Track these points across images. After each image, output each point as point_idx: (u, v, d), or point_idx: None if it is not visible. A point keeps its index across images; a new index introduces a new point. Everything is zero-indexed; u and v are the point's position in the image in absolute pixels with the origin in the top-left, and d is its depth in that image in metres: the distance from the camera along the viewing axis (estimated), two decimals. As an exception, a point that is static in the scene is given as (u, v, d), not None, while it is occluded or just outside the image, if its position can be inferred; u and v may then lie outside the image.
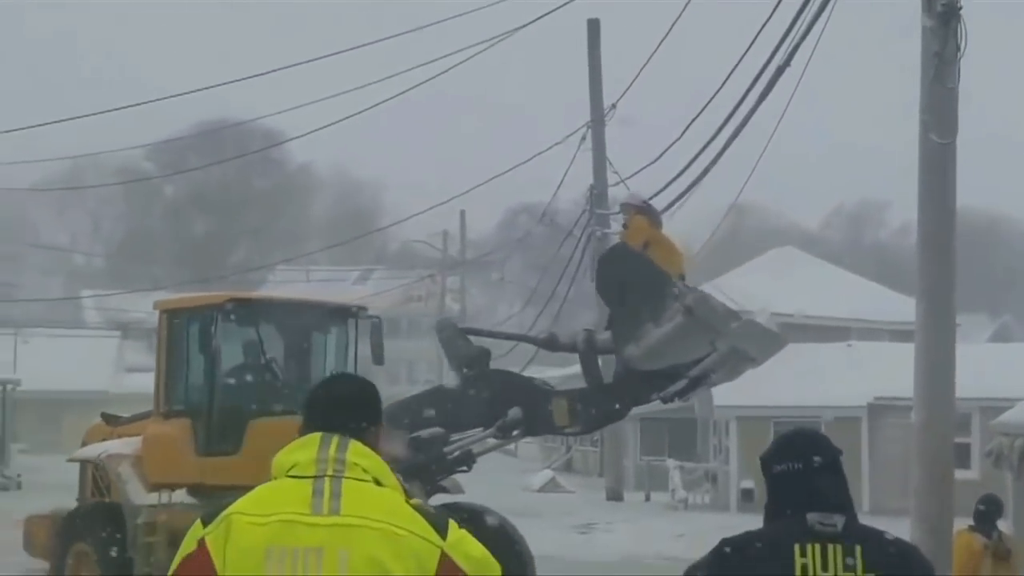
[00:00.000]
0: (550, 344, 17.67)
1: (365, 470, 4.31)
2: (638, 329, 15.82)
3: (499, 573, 4.35)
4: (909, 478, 14.95)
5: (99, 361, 60.94)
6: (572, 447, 54.86)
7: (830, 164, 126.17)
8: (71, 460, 20.15)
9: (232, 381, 18.08)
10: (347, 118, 34.36)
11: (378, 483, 4.31)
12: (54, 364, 56.00)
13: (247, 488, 4.39)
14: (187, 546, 4.29)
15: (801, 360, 37.59)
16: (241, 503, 4.27)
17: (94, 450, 19.36)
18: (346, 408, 4.45)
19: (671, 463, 41.84)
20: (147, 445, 18.30)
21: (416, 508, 4.30)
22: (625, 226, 18.19)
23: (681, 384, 16.32)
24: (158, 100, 31.68)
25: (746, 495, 35.56)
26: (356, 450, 4.34)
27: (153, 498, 17.71)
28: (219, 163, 69.44)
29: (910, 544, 4.99)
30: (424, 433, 16.58)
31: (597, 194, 38.67)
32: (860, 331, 46.48)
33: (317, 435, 4.37)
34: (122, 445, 18.79)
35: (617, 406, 16.91)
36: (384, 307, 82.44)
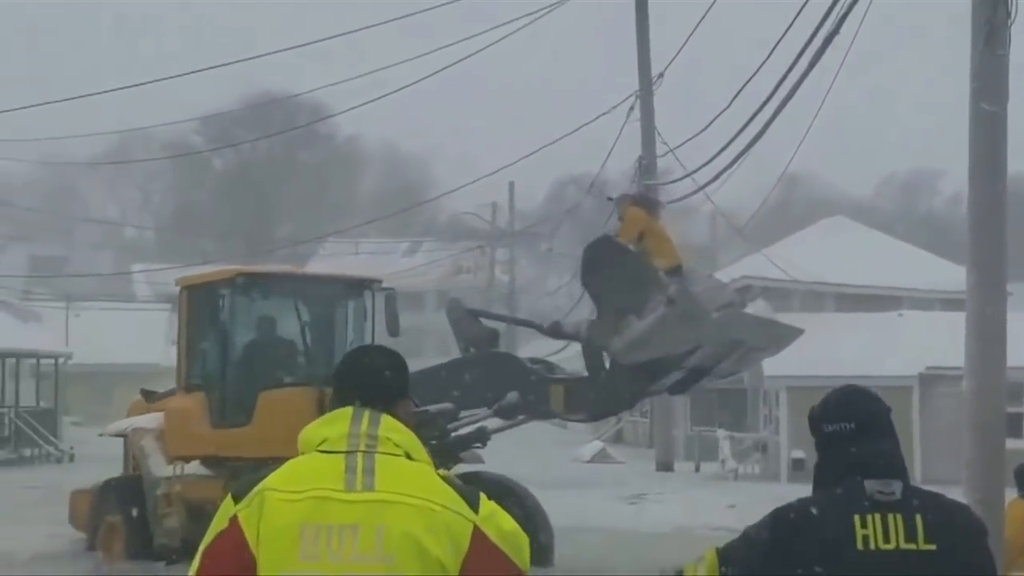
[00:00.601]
0: (554, 332, 17.67)
1: (397, 444, 4.25)
2: (621, 321, 15.81)
3: (528, 545, 4.29)
4: (961, 448, 14.83)
5: (150, 334, 61.21)
6: (622, 418, 54.74)
7: (882, 133, 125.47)
8: (102, 435, 20.65)
9: (244, 354, 18.36)
10: (394, 92, 34.41)
11: (409, 457, 4.26)
12: (105, 337, 56.28)
13: (259, 460, 4.35)
14: (219, 523, 4.22)
15: (852, 330, 37.51)
16: (272, 479, 4.20)
17: (122, 425, 19.81)
18: (376, 381, 4.37)
19: (721, 433, 41.73)
20: (168, 419, 18.70)
21: (446, 481, 4.25)
22: (620, 219, 18.11)
23: (678, 375, 16.28)
24: (204, 70, 31.81)
25: (796, 465, 35.40)
26: (388, 424, 4.28)
27: (172, 470, 17.99)
28: (267, 137, 69.67)
29: (965, 506, 4.88)
30: (432, 408, 16.59)
31: (646, 164, 38.48)
32: (911, 300, 46.09)
33: (348, 409, 4.31)
34: (149, 420, 19.16)
35: (621, 396, 16.89)
36: (434, 279, 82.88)
